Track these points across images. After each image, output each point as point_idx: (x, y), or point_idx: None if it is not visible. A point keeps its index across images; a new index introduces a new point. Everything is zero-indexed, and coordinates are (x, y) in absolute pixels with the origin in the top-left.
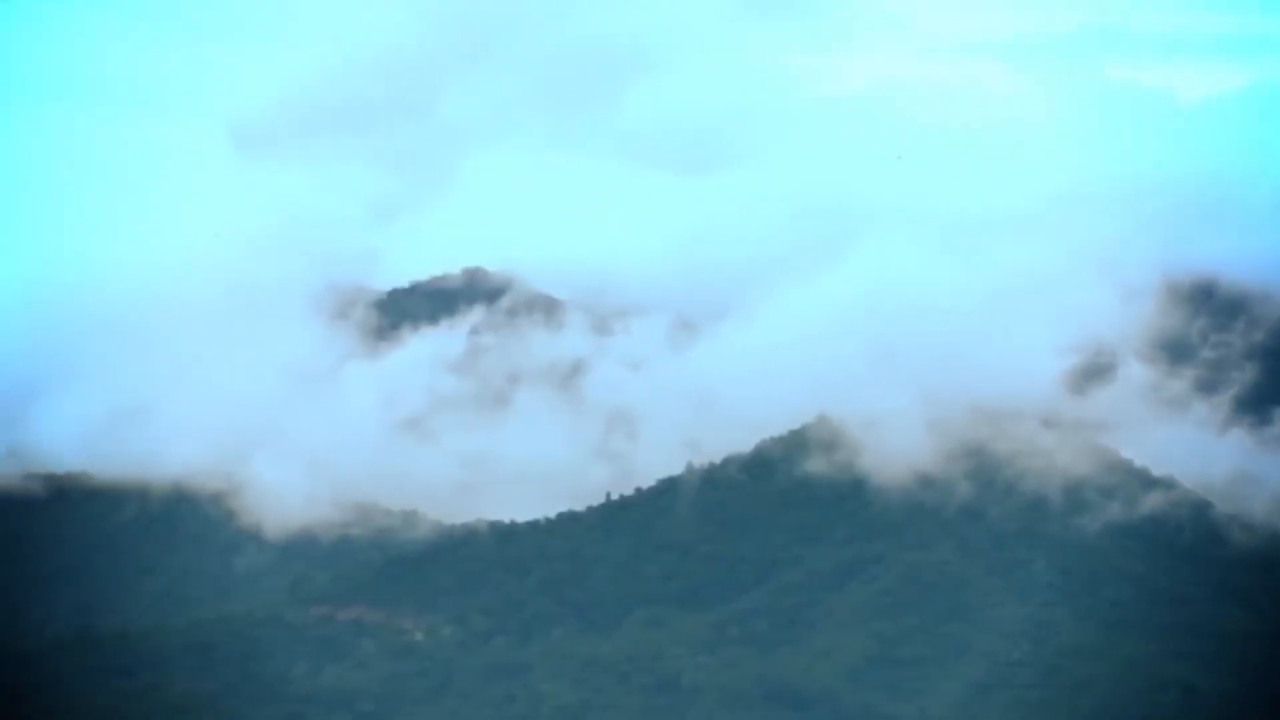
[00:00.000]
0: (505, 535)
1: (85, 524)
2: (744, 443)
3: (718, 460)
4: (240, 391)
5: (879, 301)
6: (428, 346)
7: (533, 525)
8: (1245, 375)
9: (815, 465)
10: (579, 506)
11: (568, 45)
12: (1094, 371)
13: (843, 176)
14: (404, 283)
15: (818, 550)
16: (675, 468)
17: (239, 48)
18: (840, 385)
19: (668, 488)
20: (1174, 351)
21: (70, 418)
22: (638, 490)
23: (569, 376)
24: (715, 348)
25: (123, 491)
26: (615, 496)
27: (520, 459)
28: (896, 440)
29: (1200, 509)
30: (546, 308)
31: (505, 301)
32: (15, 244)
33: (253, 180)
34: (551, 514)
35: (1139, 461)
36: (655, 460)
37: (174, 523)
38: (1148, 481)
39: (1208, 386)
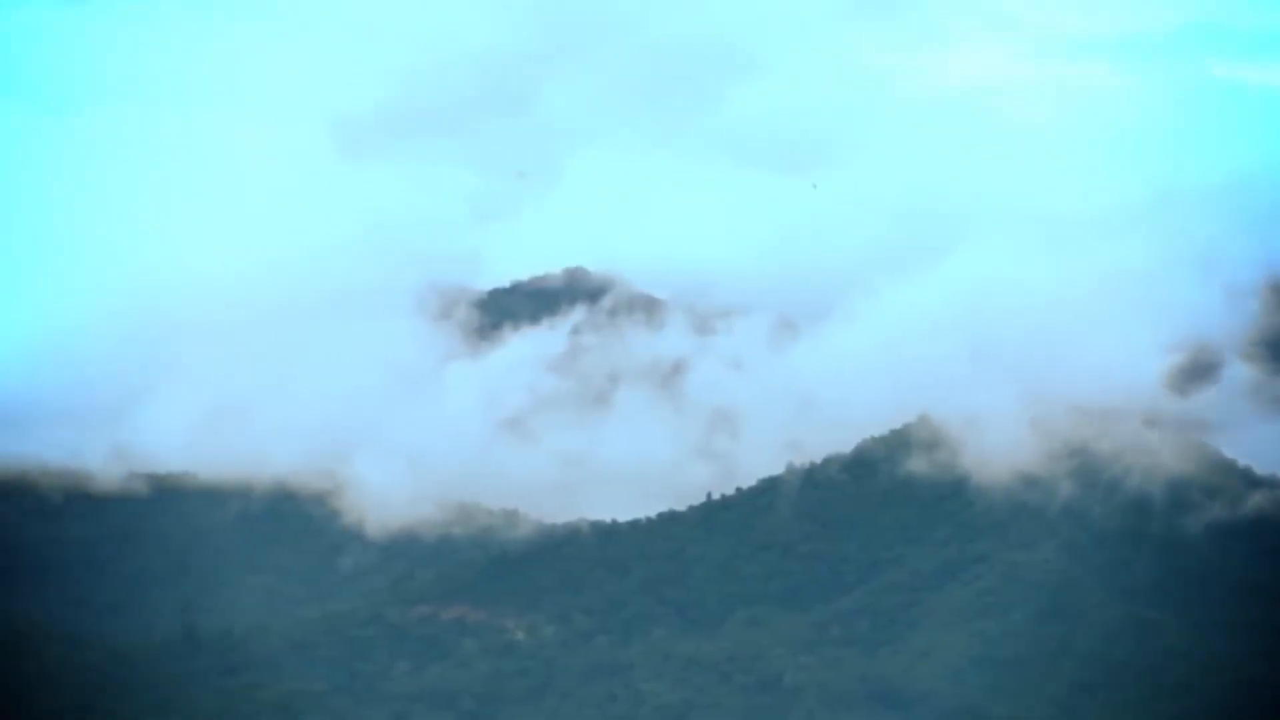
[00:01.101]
0: (606, 535)
1: (188, 524)
2: (845, 442)
3: (819, 460)
4: (342, 391)
5: (980, 301)
6: (529, 346)
7: (634, 525)
8: None
9: (917, 465)
10: (680, 506)
11: (669, 45)
12: (1197, 371)
13: (943, 176)
14: (505, 282)
15: (919, 550)
16: (776, 467)
17: (341, 49)
18: (942, 385)
19: (769, 487)
20: (1277, 350)
21: (173, 418)
22: (739, 490)
23: (670, 376)
24: (816, 347)
25: (226, 491)
26: (716, 496)
27: (621, 459)
28: (998, 440)
29: None
30: (648, 307)
31: (606, 301)
32: (119, 245)
33: (355, 181)
34: (652, 513)
35: (1242, 461)
36: (756, 460)
37: (277, 522)
38: (1251, 481)
39: None
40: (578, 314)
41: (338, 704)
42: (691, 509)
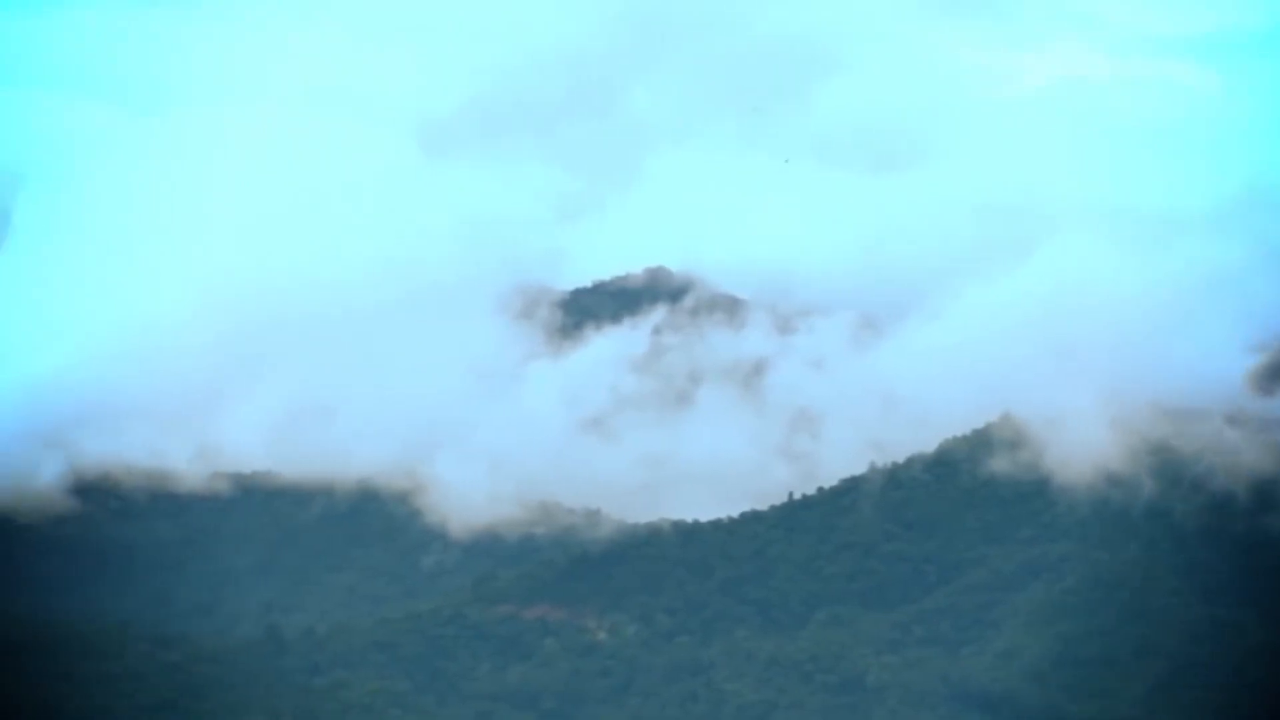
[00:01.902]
0: (688, 534)
1: (272, 523)
2: (927, 442)
3: (901, 460)
4: (425, 390)
5: (1064, 299)
6: (611, 346)
7: (715, 525)
8: None
9: (999, 464)
10: (762, 506)
11: (753, 44)
12: None
13: (1027, 174)
14: (587, 282)
15: (1001, 550)
16: (858, 467)
17: (426, 49)
18: (1025, 383)
19: (851, 487)
20: None
21: (257, 417)
22: (820, 490)
23: (752, 376)
24: (899, 346)
25: (309, 490)
26: (798, 496)
27: (703, 458)
28: (1081, 439)
29: None
30: (729, 307)
31: (688, 301)
32: (204, 245)
33: (439, 181)
34: (734, 513)
35: None
36: (838, 459)
37: (360, 521)
38: None
39: None
40: (659, 313)
41: (420, 703)
42: (773, 509)
